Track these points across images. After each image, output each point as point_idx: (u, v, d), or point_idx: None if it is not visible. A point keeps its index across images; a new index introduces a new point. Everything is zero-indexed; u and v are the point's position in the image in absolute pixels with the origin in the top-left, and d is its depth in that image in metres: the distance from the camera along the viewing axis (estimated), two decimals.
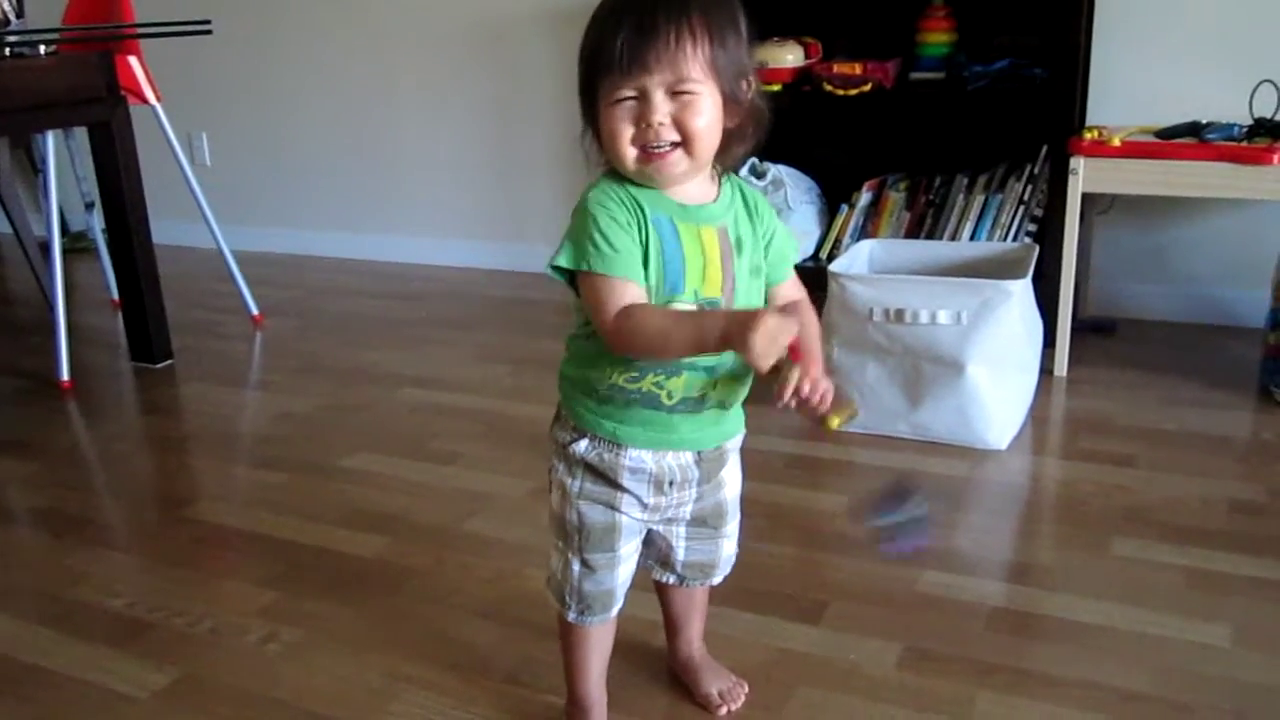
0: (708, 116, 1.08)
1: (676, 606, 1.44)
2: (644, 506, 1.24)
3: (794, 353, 1.04)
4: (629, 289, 1.09)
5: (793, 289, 1.25)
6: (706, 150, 1.10)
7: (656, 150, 1.08)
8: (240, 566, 1.89)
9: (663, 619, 1.47)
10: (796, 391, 1.08)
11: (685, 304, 1.12)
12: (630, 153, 1.09)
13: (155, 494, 2.25)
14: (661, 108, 1.06)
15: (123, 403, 2.80)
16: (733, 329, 1.02)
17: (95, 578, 1.84)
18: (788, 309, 1.19)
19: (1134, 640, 1.55)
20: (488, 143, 3.86)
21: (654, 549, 1.33)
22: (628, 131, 1.08)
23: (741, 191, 1.19)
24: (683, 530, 1.31)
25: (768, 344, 1.01)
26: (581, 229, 1.10)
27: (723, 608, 1.59)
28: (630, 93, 1.06)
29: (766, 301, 1.22)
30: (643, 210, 1.11)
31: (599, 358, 1.16)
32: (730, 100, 1.10)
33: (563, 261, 1.11)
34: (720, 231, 1.15)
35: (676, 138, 1.08)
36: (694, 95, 1.07)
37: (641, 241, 1.10)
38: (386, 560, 1.86)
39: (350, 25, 3.94)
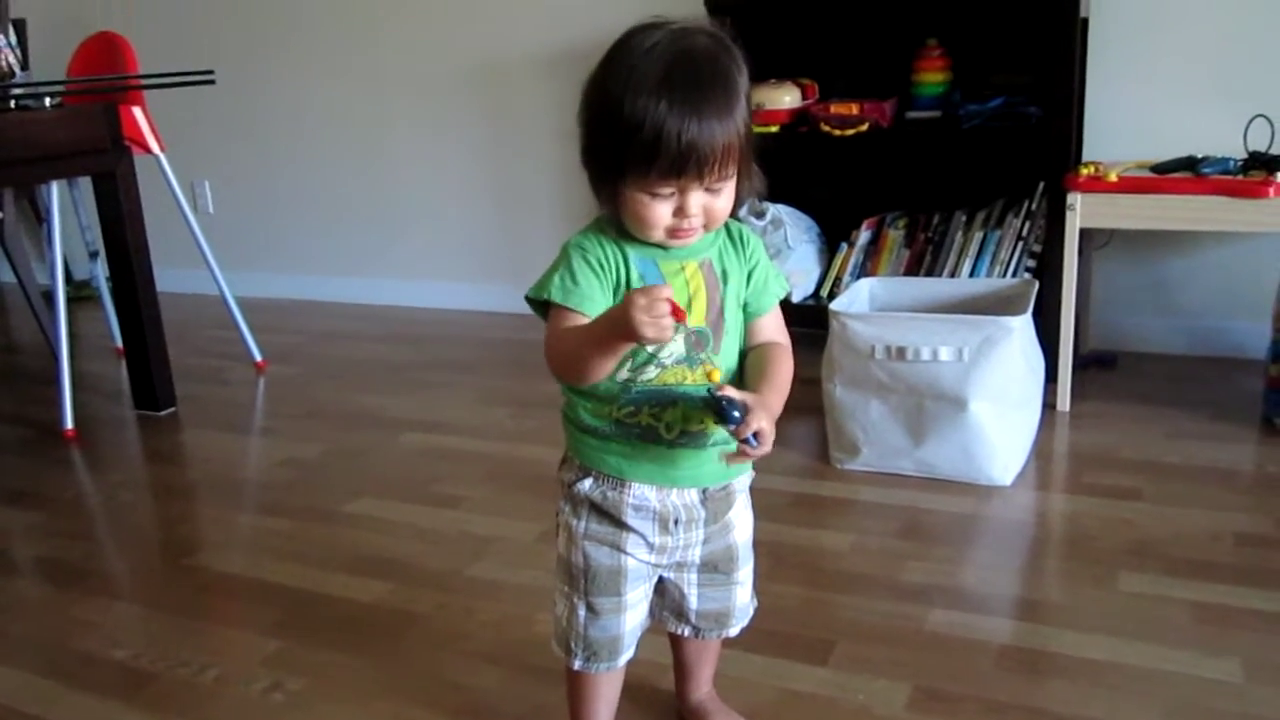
0: (731, 199, 1.13)
1: (688, 654, 1.43)
2: (650, 547, 1.23)
3: (677, 314, 1.03)
4: (575, 320, 1.12)
5: (774, 329, 1.24)
6: (720, 223, 1.16)
7: (683, 232, 1.12)
8: (244, 615, 1.88)
9: (673, 663, 1.46)
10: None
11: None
12: (658, 233, 1.12)
13: (159, 543, 2.24)
14: (698, 203, 1.10)
15: (126, 451, 2.80)
16: (616, 319, 1.03)
17: (99, 628, 1.83)
18: (759, 349, 1.21)
19: (1144, 677, 1.53)
20: (487, 186, 3.89)
21: (667, 599, 1.32)
22: (663, 220, 1.10)
23: (728, 227, 1.22)
24: (694, 577, 1.30)
25: (647, 318, 1.00)
26: (554, 265, 1.15)
27: (730, 649, 1.58)
28: (671, 190, 1.09)
29: (746, 334, 1.23)
30: (625, 257, 1.14)
31: (599, 397, 1.18)
32: (745, 171, 1.14)
33: (531, 292, 1.15)
34: (704, 265, 1.18)
35: (702, 224, 1.12)
36: (725, 186, 1.11)
37: (617, 284, 1.14)
38: (391, 606, 1.85)
39: (349, 72, 3.98)
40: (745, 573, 1.33)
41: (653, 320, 1.00)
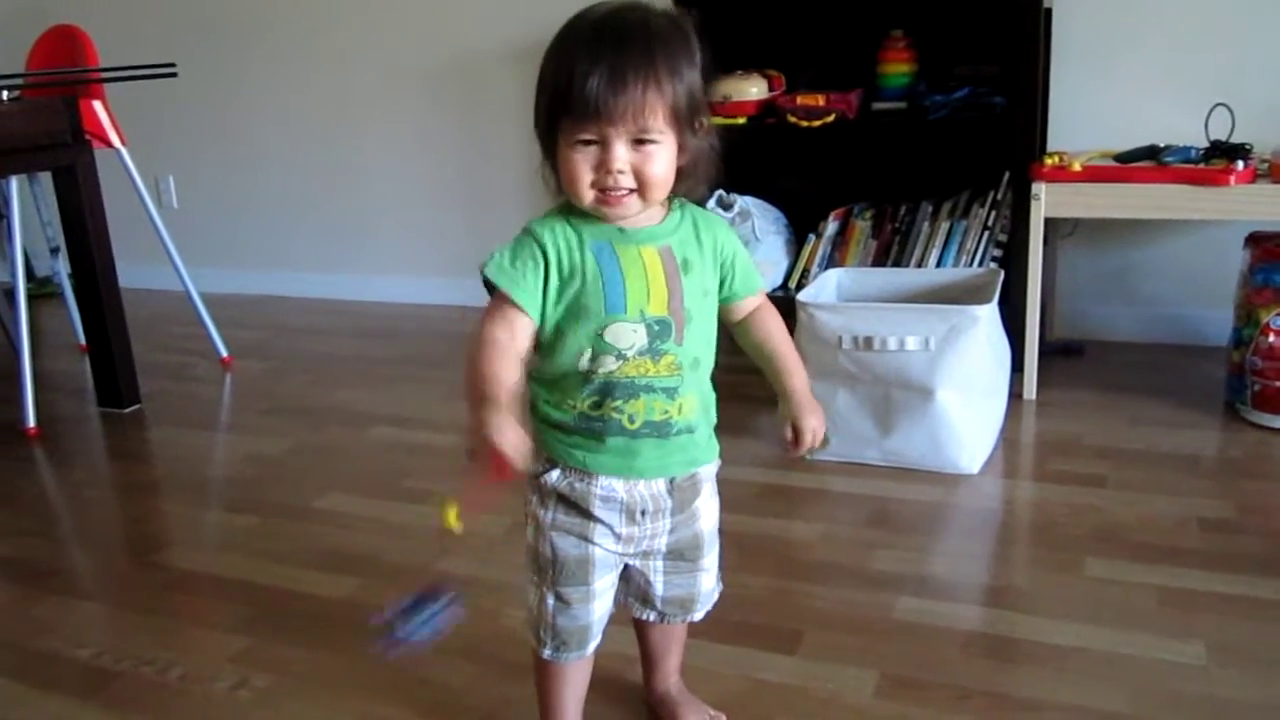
0: (664, 164, 1.11)
1: (654, 641, 1.43)
2: (617, 537, 1.23)
3: (485, 463, 1.06)
4: (509, 309, 1.13)
5: (758, 298, 1.30)
6: (660, 194, 1.13)
7: (614, 194, 1.10)
8: (211, 612, 1.87)
9: (639, 653, 1.46)
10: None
11: (631, 324, 1.14)
12: (589, 194, 1.11)
13: (124, 540, 2.22)
14: (622, 157, 1.08)
15: (90, 449, 2.77)
16: (476, 409, 1.07)
17: (63, 628, 1.81)
18: (755, 328, 1.29)
19: (1110, 661, 1.55)
20: (455, 180, 3.87)
21: (632, 585, 1.32)
22: (588, 175, 1.09)
23: (693, 216, 1.21)
24: (660, 564, 1.30)
25: (479, 442, 1.05)
26: (506, 243, 1.15)
27: (698, 640, 1.58)
28: (592, 137, 1.08)
29: (733, 311, 1.28)
30: (581, 240, 1.13)
31: (562, 390, 1.18)
32: (685, 142, 1.13)
33: (482, 266, 1.15)
34: (663, 250, 1.16)
35: (634, 185, 1.10)
36: (654, 145, 1.09)
37: (570, 268, 1.13)
38: (359, 601, 1.84)
39: (315, 66, 3.95)
40: (711, 559, 1.33)
41: (476, 448, 1.05)
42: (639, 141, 1.08)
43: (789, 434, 1.26)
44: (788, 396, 1.27)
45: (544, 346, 1.18)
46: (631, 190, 1.10)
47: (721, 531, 1.35)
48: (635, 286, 1.14)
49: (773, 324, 1.29)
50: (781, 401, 1.28)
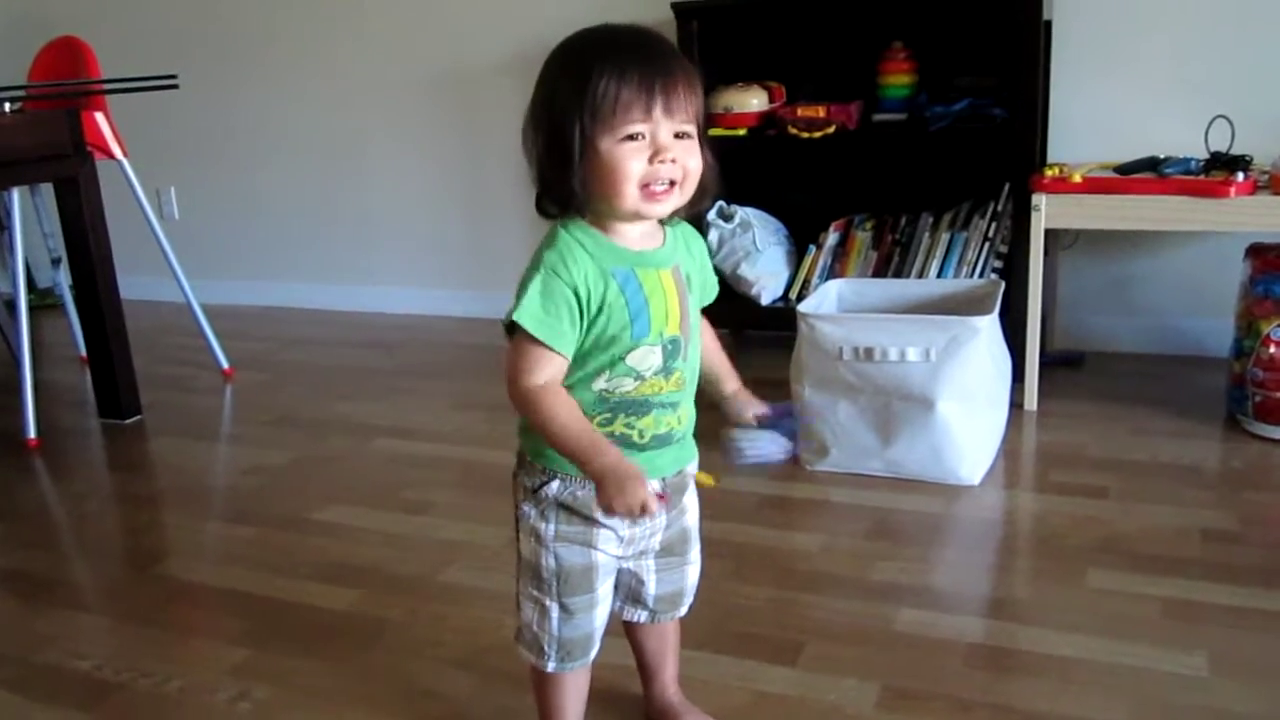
0: (699, 159, 1.14)
1: (649, 649, 1.43)
2: (620, 540, 1.25)
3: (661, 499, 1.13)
4: (547, 358, 1.12)
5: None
6: (690, 191, 1.15)
7: (659, 190, 1.11)
8: (211, 624, 1.86)
9: (636, 665, 1.46)
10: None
11: (651, 347, 1.15)
12: (634, 191, 1.10)
13: (125, 552, 2.21)
14: (673, 146, 1.10)
15: (91, 460, 2.77)
16: (608, 482, 1.09)
17: (63, 640, 1.81)
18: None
19: (1112, 672, 1.55)
20: (456, 192, 3.88)
21: (622, 588, 1.33)
22: (638, 169, 1.10)
23: (680, 232, 1.23)
24: (652, 563, 1.32)
25: (629, 510, 1.09)
26: (529, 285, 1.12)
27: (699, 651, 1.58)
28: (641, 130, 1.09)
29: None
30: (603, 270, 1.13)
31: None
32: (702, 148, 1.15)
33: (510, 315, 1.12)
34: (674, 271, 1.19)
35: (679, 176, 1.12)
36: (691, 139, 1.12)
37: (589, 303, 1.12)
38: (361, 613, 1.84)
39: (317, 77, 3.96)
40: (695, 552, 1.36)
41: (628, 510, 1.09)
42: (679, 135, 1.11)
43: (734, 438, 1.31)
44: (731, 398, 1.33)
45: None
46: (673, 183, 1.12)
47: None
48: (657, 312, 1.15)
49: (710, 333, 1.32)
50: (726, 404, 1.33)
